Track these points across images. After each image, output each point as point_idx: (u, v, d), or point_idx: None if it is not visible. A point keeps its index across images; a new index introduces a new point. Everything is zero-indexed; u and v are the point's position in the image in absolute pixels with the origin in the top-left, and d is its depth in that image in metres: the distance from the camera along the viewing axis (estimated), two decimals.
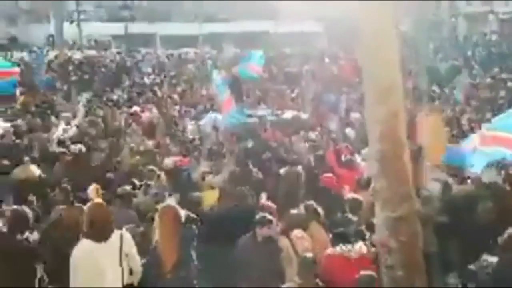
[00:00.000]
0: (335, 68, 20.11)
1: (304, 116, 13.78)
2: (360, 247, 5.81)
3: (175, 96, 16.91)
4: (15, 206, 6.15)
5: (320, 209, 6.74)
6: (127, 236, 5.37)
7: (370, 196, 6.77)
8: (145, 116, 14.08)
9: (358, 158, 9.45)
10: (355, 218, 6.75)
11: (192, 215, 6.18)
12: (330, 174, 8.62)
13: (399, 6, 5.54)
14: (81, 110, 13.52)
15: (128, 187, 7.72)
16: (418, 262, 5.49)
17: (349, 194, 7.21)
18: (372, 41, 5.36)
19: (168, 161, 9.84)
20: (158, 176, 8.86)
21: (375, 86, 5.38)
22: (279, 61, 22.80)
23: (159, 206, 6.07)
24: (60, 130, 11.81)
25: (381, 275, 5.31)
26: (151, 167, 9.06)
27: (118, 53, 27.19)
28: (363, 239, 6.00)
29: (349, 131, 12.30)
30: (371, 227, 5.95)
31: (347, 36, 22.11)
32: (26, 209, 5.92)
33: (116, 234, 5.28)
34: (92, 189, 6.84)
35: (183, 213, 5.83)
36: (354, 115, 13.23)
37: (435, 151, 8.04)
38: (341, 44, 23.00)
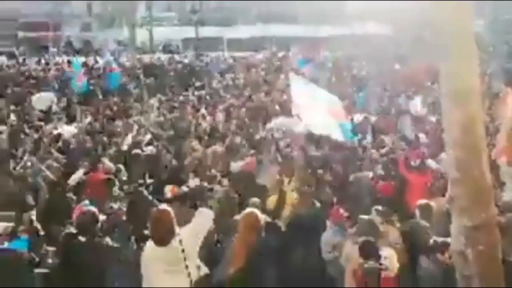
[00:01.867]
0: (405, 70, 19.67)
1: (372, 119, 13.56)
2: None
3: (242, 100, 17.01)
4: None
5: (389, 212, 6.68)
6: (188, 240, 5.43)
7: (442, 203, 6.62)
8: (212, 118, 14.26)
9: (431, 163, 9.20)
10: (427, 224, 6.59)
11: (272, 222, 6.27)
12: (384, 183, 8.58)
13: (474, 7, 5.34)
14: (151, 113, 13.89)
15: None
16: (497, 272, 5.28)
17: (420, 201, 7.01)
18: (451, 42, 5.19)
19: (235, 165, 9.90)
20: (219, 181, 8.91)
21: (453, 89, 5.20)
22: (347, 64, 22.56)
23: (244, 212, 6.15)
24: (134, 132, 12.16)
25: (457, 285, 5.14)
26: (213, 171, 9.10)
27: (186, 57, 27.73)
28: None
29: (421, 135, 11.99)
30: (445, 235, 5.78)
31: (416, 38, 21.71)
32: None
33: (177, 238, 5.37)
34: (169, 189, 6.93)
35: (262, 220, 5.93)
36: (428, 119, 12.90)
37: None
38: (409, 47, 22.49)
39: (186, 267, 5.35)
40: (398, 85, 17.47)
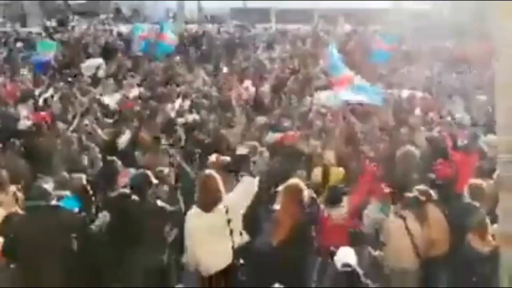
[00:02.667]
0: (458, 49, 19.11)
1: (420, 94, 13.31)
2: None
3: (287, 71, 16.88)
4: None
5: (433, 193, 6.62)
6: (233, 207, 5.49)
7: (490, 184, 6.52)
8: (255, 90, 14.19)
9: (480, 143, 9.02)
10: (477, 204, 6.50)
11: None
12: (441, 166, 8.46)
13: None
14: (198, 81, 14.03)
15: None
16: None
17: (471, 180, 6.89)
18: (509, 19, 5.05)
19: (270, 137, 9.89)
20: (261, 152, 8.93)
21: (509, 68, 5.09)
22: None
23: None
24: (179, 100, 12.32)
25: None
26: (253, 142, 9.11)
27: (234, 26, 27.63)
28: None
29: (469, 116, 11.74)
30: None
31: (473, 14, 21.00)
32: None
33: (222, 204, 5.46)
34: (214, 158, 7.03)
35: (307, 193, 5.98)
36: (480, 97, 12.56)
37: None
38: (464, 22, 21.75)
39: (230, 233, 5.45)
40: (450, 63, 17.02)
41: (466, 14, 22.56)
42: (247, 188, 5.69)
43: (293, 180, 6.37)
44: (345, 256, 5.25)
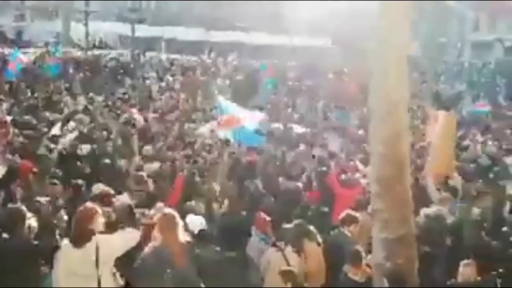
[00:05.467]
0: (340, 84, 20.02)
1: (301, 129, 13.73)
2: None
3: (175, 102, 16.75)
4: None
5: (311, 227, 6.71)
6: (105, 243, 5.22)
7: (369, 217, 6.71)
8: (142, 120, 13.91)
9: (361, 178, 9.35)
10: (349, 234, 6.68)
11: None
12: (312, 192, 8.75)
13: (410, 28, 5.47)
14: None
15: None
16: (413, 285, 5.42)
17: (346, 211, 7.07)
18: (385, 58, 5.29)
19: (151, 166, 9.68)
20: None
21: (382, 103, 5.31)
22: (283, 75, 22.72)
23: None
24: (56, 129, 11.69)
25: None
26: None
27: (122, 54, 27.18)
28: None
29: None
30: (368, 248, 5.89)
31: (354, 53, 22.18)
32: None
33: (93, 240, 5.15)
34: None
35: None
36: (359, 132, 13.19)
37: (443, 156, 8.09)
38: (348, 60, 22.95)
39: (98, 274, 5.12)
40: (332, 98, 17.75)
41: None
42: (128, 238, 5.37)
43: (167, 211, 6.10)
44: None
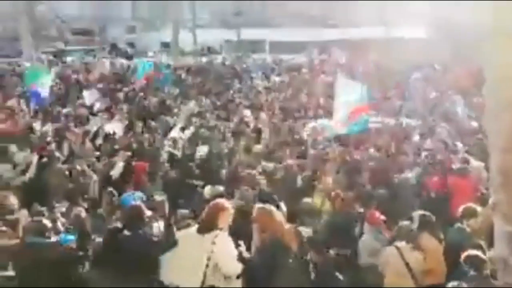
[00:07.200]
0: (448, 75, 19.35)
1: (414, 123, 13.45)
2: None
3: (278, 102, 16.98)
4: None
5: (432, 219, 6.57)
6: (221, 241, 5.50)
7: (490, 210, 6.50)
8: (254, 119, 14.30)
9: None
10: (468, 229, 6.50)
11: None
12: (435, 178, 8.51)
13: None
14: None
15: None
16: None
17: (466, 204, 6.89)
18: (495, 46, 5.12)
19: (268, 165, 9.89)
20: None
21: (500, 94, 5.13)
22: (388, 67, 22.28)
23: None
24: (175, 132, 12.35)
25: None
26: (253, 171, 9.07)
27: (227, 59, 27.96)
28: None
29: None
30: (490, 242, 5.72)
31: (461, 42, 21.29)
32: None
33: (213, 234, 5.48)
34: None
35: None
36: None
37: None
38: (453, 51, 22.07)
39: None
40: (442, 90, 17.19)
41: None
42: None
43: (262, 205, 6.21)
44: None
